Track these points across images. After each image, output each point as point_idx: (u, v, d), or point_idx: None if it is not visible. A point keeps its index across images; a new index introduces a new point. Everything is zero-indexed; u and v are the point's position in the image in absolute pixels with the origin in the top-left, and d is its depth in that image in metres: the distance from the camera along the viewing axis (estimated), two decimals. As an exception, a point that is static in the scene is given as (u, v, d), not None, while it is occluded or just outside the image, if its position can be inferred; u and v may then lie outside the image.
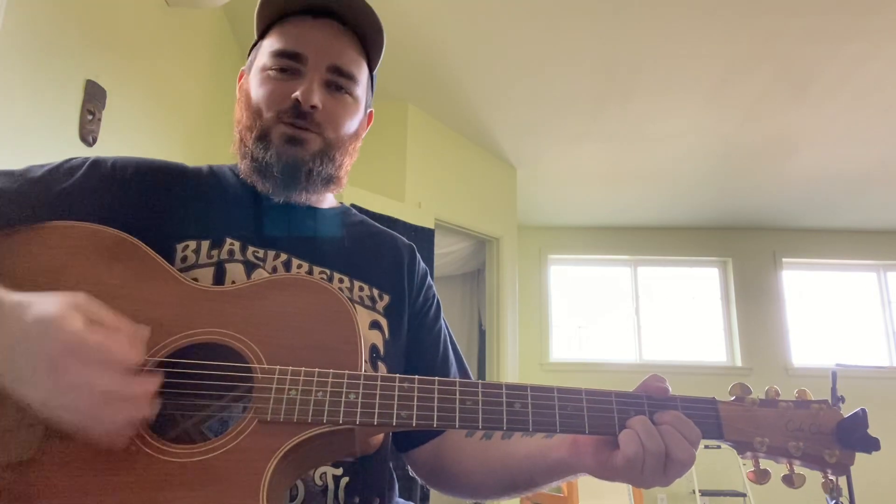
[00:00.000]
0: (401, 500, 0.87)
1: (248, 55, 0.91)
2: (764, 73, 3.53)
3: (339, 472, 0.74)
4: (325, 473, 0.73)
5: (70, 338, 0.56)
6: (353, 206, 3.36)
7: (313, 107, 0.80)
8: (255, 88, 0.84)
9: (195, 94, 2.78)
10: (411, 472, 0.91)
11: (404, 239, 0.99)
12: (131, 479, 0.59)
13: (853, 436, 0.65)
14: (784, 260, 5.97)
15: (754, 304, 5.82)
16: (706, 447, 5.09)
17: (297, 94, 0.80)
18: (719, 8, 2.98)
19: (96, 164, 0.81)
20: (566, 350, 5.90)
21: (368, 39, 0.89)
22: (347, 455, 0.69)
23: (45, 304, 0.58)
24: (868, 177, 4.81)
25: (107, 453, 0.59)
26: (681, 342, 5.85)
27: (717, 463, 5.15)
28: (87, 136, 1.97)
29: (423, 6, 3.04)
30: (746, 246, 5.98)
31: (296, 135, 0.81)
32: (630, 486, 4.65)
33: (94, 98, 1.98)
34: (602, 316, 6.00)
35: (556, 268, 6.14)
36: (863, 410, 0.66)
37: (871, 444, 0.65)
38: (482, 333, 4.84)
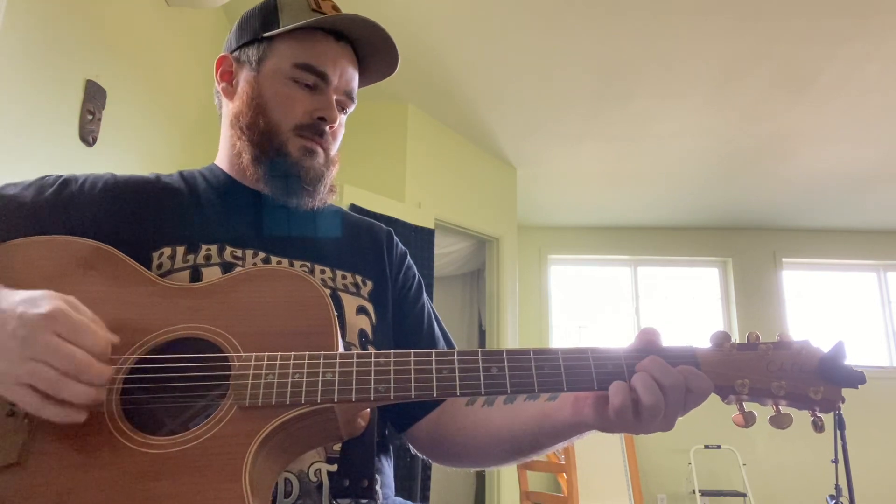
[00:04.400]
0: (400, 500, 0.87)
1: (242, 43, 0.90)
2: (764, 73, 3.53)
3: (335, 468, 0.74)
4: (319, 469, 0.73)
5: (52, 309, 0.59)
6: (353, 206, 3.37)
7: (330, 126, 0.87)
8: (273, 94, 0.86)
9: (195, 95, 2.78)
10: (413, 451, 0.92)
11: (381, 225, 1.02)
12: (114, 474, 0.59)
13: (837, 371, 0.64)
14: (784, 260, 5.97)
15: (754, 304, 5.82)
16: (706, 447, 5.09)
17: (323, 113, 0.86)
18: (719, 8, 2.98)
19: (67, 182, 0.82)
20: (566, 350, 5.90)
21: (368, 76, 0.95)
22: (333, 438, 0.69)
23: (36, 290, 0.63)
24: (868, 177, 4.81)
25: (90, 451, 0.60)
26: (681, 342, 5.84)
27: (717, 463, 5.15)
28: (87, 136, 1.97)
29: (424, 7, 3.04)
30: (746, 246, 5.98)
31: (312, 147, 0.86)
32: (630, 485, 4.65)
33: (94, 98, 1.98)
34: (602, 316, 6.00)
35: (556, 268, 6.14)
36: (840, 343, 0.66)
37: (856, 378, 0.64)
38: (482, 333, 4.84)
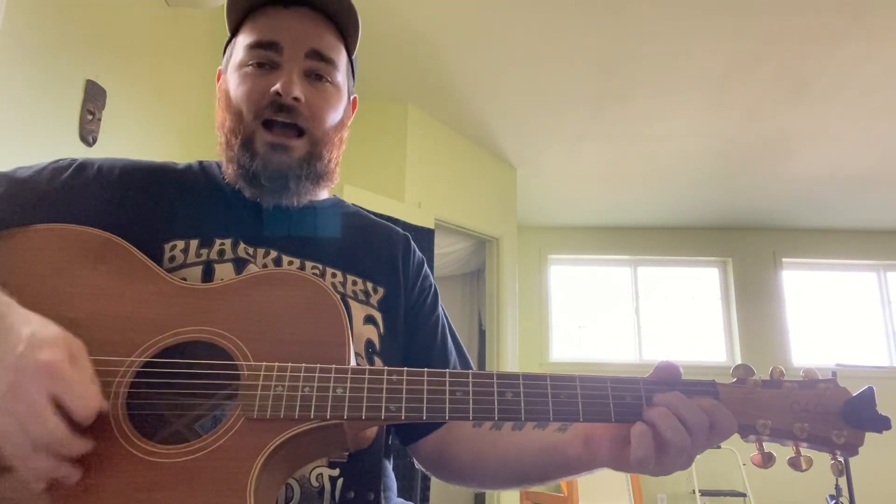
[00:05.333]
0: (400, 500, 0.87)
1: (224, 53, 0.89)
2: (764, 73, 3.52)
3: (336, 472, 0.73)
4: (321, 474, 0.72)
5: (51, 361, 0.55)
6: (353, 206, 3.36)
7: (296, 99, 0.78)
8: (234, 87, 0.81)
9: (195, 94, 2.78)
10: (417, 465, 0.90)
11: (399, 229, 0.97)
12: (116, 481, 0.58)
13: (862, 415, 0.62)
14: (784, 260, 5.96)
15: (754, 304, 5.82)
16: (706, 447, 5.09)
17: (276, 86, 0.77)
18: (719, 8, 2.98)
19: (83, 166, 0.81)
20: (566, 350, 5.90)
21: (343, 23, 0.86)
22: (340, 450, 0.68)
23: (46, 327, 0.59)
24: (868, 177, 4.81)
25: (94, 456, 0.59)
26: (681, 342, 5.85)
27: (717, 463, 5.15)
28: (87, 136, 1.97)
29: (423, 6, 3.04)
30: (746, 246, 5.98)
31: (280, 142, 0.79)
32: (630, 485, 4.65)
33: (94, 98, 1.98)
34: (602, 316, 6.00)
35: (556, 268, 6.13)
36: (870, 388, 0.63)
37: (882, 423, 0.61)
38: (482, 333, 4.84)
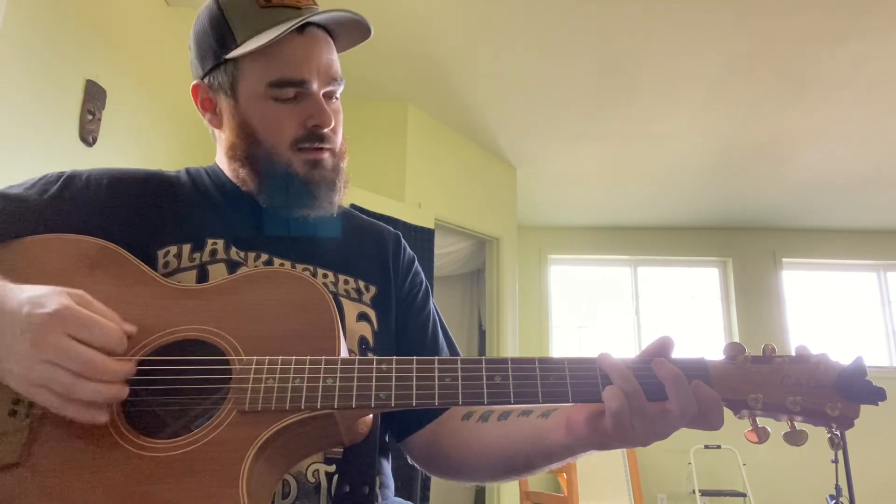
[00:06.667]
0: (398, 500, 0.87)
1: (209, 69, 0.83)
2: (764, 73, 3.52)
3: (332, 468, 0.74)
4: (317, 470, 0.73)
5: (59, 308, 0.60)
6: (353, 206, 3.37)
7: (331, 128, 0.83)
8: (260, 119, 0.81)
9: (195, 94, 2.78)
10: (410, 461, 0.91)
11: (390, 228, 1.00)
12: (112, 476, 0.60)
13: (855, 386, 0.61)
14: (784, 260, 5.97)
15: (754, 304, 5.82)
16: (706, 447, 5.09)
17: (315, 120, 0.81)
18: (719, 8, 2.98)
19: (72, 178, 0.82)
20: (566, 350, 5.90)
21: (343, 41, 0.87)
22: (335, 444, 0.69)
23: (41, 287, 0.63)
24: (868, 177, 4.81)
25: (89, 453, 0.60)
26: (681, 342, 5.84)
27: (717, 463, 5.15)
28: (87, 136, 1.97)
29: (424, 6, 3.04)
30: (746, 246, 5.98)
31: (316, 158, 0.82)
32: (630, 485, 4.65)
33: (94, 98, 1.98)
34: (602, 316, 6.00)
35: (556, 268, 6.14)
36: (860, 358, 0.63)
37: (876, 394, 0.61)
38: (482, 333, 4.84)
